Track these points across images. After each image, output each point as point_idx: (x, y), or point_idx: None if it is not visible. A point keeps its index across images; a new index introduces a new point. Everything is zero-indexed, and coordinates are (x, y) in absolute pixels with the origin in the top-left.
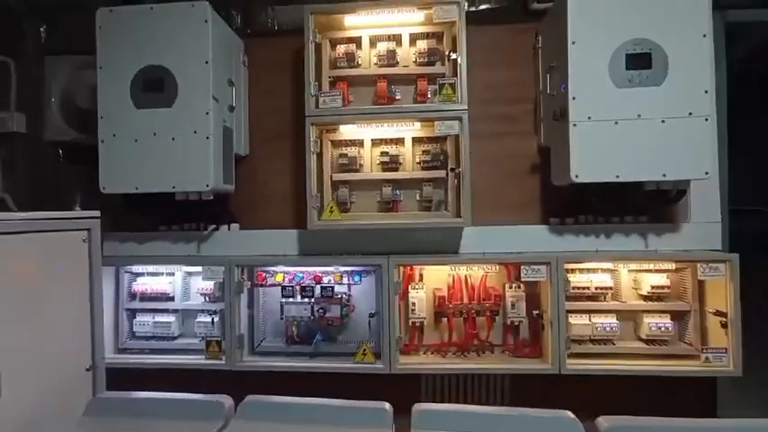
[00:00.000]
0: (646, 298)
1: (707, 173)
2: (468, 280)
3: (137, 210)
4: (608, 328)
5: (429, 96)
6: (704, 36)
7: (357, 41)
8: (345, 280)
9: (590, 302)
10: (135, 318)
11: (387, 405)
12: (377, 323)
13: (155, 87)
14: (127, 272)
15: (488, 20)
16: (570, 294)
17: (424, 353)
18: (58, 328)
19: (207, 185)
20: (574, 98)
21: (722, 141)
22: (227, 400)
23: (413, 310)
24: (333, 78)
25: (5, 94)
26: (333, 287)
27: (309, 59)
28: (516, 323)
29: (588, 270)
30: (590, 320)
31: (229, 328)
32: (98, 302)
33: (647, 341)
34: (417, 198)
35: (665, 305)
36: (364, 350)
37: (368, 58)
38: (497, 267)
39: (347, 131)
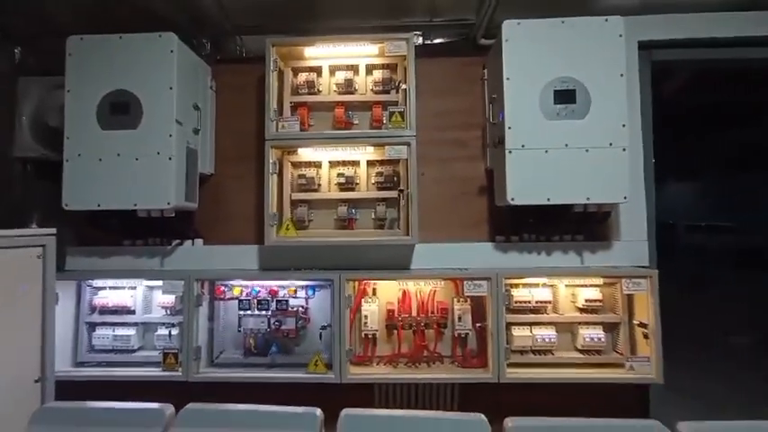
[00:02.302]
0: (581, 310)
1: (625, 197)
2: (418, 294)
3: (102, 226)
4: (547, 339)
5: (384, 122)
6: (621, 75)
7: (317, 70)
8: (302, 293)
9: (532, 315)
10: (95, 331)
11: (317, 411)
12: (329, 335)
13: (121, 110)
14: (89, 286)
15: (442, 52)
16: (513, 308)
17: (377, 363)
18: (6, 341)
19: (168, 203)
20: (509, 128)
21: (648, 168)
22: (167, 408)
23: (365, 323)
24: (294, 104)
25: None
26: (287, 300)
27: (270, 87)
28: (463, 335)
29: (530, 285)
30: (531, 332)
31: (187, 340)
32: (50, 316)
33: (582, 351)
34: (372, 216)
35: (598, 317)
36: (316, 361)
37: (327, 86)
38: (444, 282)
39: (306, 154)
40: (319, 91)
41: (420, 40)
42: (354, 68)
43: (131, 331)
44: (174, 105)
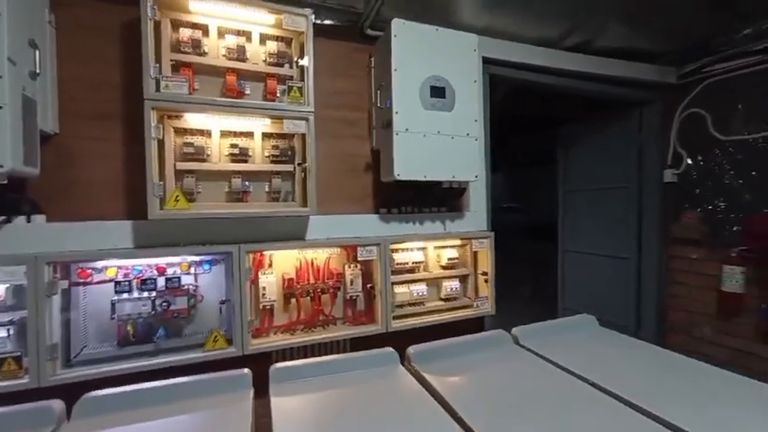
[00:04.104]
0: (444, 268)
1: (476, 176)
2: (314, 263)
3: None
4: (420, 293)
5: (278, 95)
6: (474, 81)
7: (203, 28)
8: (193, 270)
9: (408, 274)
10: None
11: (246, 370)
12: (228, 310)
13: None
14: None
15: (333, 34)
16: (395, 269)
17: (275, 333)
18: None
19: (1, 167)
20: (397, 113)
21: (487, 156)
22: (57, 404)
23: (263, 294)
24: (175, 62)
25: None
26: (179, 278)
27: (147, 38)
28: (354, 297)
29: (407, 249)
30: (408, 288)
31: (36, 338)
32: None
33: (445, 299)
34: (266, 190)
35: (456, 272)
36: (215, 337)
37: (216, 49)
38: (339, 250)
39: (193, 120)
40: (205, 53)
41: (312, 18)
42: (247, 35)
43: None
44: (5, 37)
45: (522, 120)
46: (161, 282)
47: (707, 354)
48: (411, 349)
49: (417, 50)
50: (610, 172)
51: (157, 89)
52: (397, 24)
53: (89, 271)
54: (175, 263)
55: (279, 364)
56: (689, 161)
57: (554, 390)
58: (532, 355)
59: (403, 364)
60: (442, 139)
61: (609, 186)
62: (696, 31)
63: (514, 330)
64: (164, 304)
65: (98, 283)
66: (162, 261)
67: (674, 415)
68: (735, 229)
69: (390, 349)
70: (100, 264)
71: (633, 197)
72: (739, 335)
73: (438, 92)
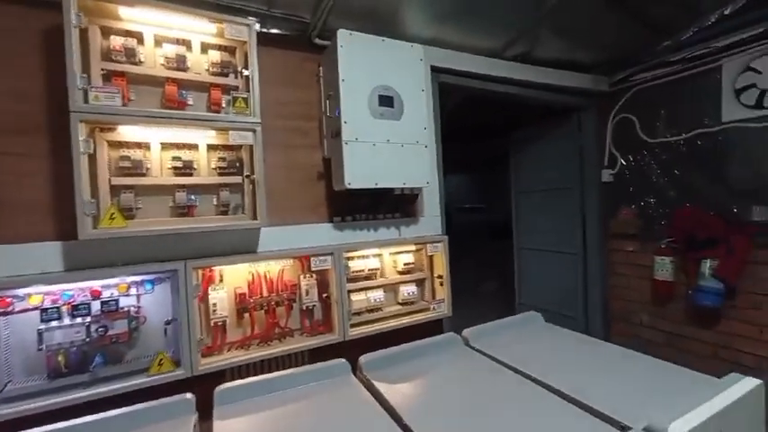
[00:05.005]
0: (401, 273)
1: (428, 182)
2: (267, 275)
3: None
4: (377, 300)
5: (224, 106)
6: (422, 90)
7: (138, 36)
8: (135, 291)
9: (365, 281)
10: None
11: (188, 395)
12: (175, 330)
13: None
14: None
15: (281, 44)
16: (351, 277)
17: (229, 350)
18: None
19: None
20: (345, 122)
21: (439, 162)
22: None
23: (214, 310)
24: (106, 72)
25: None
26: (117, 300)
27: (72, 46)
28: (311, 307)
29: (363, 257)
30: (366, 296)
31: None
32: None
33: (402, 303)
34: (214, 203)
35: (412, 276)
36: (161, 360)
37: (153, 58)
38: (293, 261)
39: (129, 133)
40: (141, 61)
41: (257, 27)
42: (187, 44)
43: None
44: None
45: (480, 126)
46: (96, 306)
47: (647, 338)
48: (363, 358)
49: (364, 60)
50: (556, 173)
51: (86, 101)
52: (343, 35)
53: (9, 300)
54: (112, 285)
55: (224, 385)
56: (623, 162)
57: (499, 388)
58: (481, 356)
59: (355, 374)
60: (391, 147)
61: (556, 187)
62: (623, 44)
63: (465, 332)
64: (100, 330)
65: (21, 312)
66: (97, 284)
67: (603, 404)
68: (663, 222)
69: (342, 360)
70: (22, 291)
71: (577, 196)
72: (672, 319)
73: (386, 101)
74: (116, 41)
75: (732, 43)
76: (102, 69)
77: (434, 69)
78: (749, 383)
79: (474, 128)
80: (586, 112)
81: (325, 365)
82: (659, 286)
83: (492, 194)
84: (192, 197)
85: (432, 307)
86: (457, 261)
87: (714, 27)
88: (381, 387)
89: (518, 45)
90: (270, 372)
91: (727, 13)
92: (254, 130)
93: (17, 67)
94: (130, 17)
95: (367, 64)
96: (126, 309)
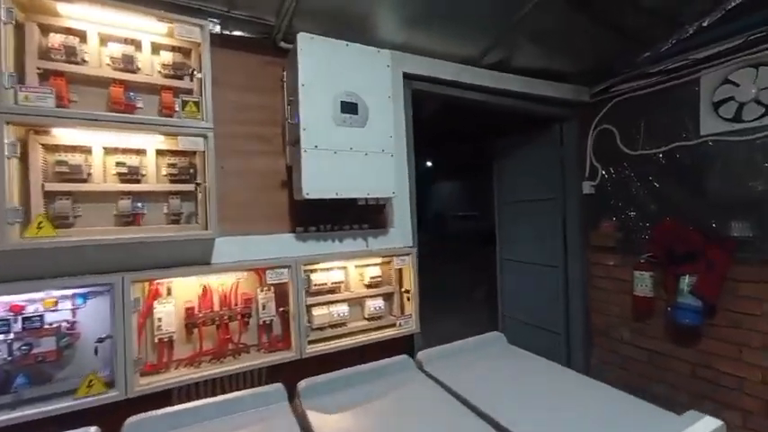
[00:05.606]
0: (368, 286)
1: (393, 192)
2: (220, 288)
3: None
4: (342, 314)
5: (177, 110)
6: (389, 97)
7: (80, 35)
8: (66, 305)
9: (329, 295)
10: None
11: (92, 428)
12: (111, 347)
13: None
14: None
15: (243, 46)
16: (313, 291)
17: (176, 368)
18: None
19: None
20: (305, 129)
21: (411, 171)
22: None
23: (159, 326)
24: (44, 71)
25: None
26: (41, 316)
27: (1, 43)
28: (268, 322)
29: (327, 269)
30: (328, 310)
31: None
32: None
33: (369, 318)
34: (165, 211)
35: (379, 290)
36: (90, 381)
37: (97, 57)
38: (248, 274)
39: (68, 136)
40: (84, 61)
41: (218, 29)
42: (136, 43)
43: None
44: None
45: (466, 133)
46: (18, 323)
47: (627, 354)
48: (302, 384)
49: (327, 65)
50: (538, 184)
51: (15, 101)
52: (304, 38)
53: None
54: (37, 299)
55: (136, 417)
56: (604, 174)
57: (439, 422)
58: (431, 383)
59: (292, 401)
60: (354, 155)
61: (538, 198)
62: (601, 54)
63: (420, 354)
64: (23, 348)
65: None
66: (19, 298)
67: None
68: (644, 236)
69: (278, 385)
70: None
71: (559, 208)
72: (652, 335)
73: (350, 107)
74: (55, 39)
75: (711, 55)
76: (39, 68)
77: (407, 76)
78: (709, 424)
79: (461, 134)
80: (568, 123)
81: (257, 391)
82: (639, 302)
83: (483, 202)
84: (139, 205)
85: (398, 323)
86: (453, 266)
87: (693, 39)
88: (314, 419)
89: (496, 52)
90: (222, 392)
91: (705, 24)
92: (205, 136)
93: None
94: (71, 14)
95: (329, 69)
96: (55, 325)
